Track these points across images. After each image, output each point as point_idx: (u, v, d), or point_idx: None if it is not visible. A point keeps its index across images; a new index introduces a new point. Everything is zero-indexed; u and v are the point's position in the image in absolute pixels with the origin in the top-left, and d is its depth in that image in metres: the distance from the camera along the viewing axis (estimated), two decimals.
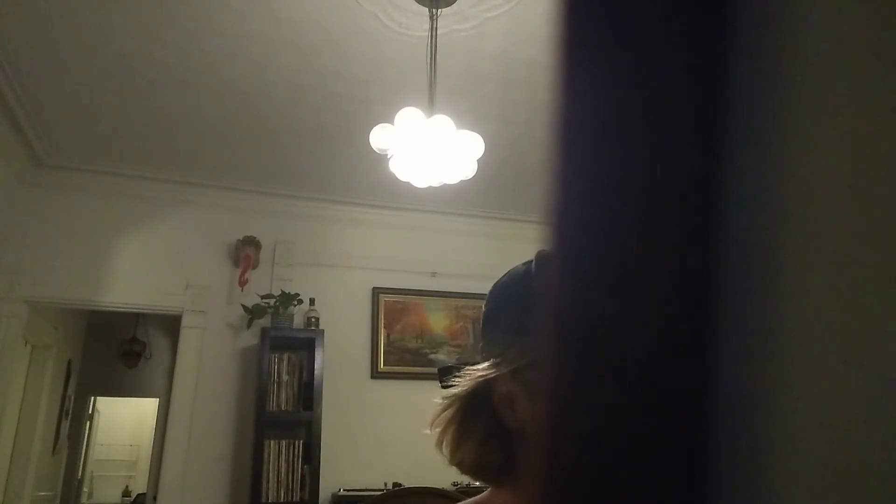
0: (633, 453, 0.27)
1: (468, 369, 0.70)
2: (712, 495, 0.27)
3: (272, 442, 3.55)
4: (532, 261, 0.69)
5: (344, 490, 3.66)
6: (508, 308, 0.70)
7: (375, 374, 4.10)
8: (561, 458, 0.28)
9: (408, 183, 2.52)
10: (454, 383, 0.70)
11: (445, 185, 2.55)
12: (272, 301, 3.80)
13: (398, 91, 3.02)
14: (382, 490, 3.54)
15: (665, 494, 0.27)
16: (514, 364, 0.65)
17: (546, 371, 0.29)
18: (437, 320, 4.31)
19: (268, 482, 3.48)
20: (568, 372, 0.28)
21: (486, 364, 0.69)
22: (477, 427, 0.69)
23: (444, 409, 0.72)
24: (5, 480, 4.40)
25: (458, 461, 0.71)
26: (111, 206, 3.87)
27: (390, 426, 3.99)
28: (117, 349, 6.76)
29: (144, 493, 7.61)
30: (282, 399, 3.66)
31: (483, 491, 0.77)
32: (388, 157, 2.41)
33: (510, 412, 0.66)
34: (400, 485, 3.66)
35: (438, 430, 0.72)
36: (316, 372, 3.69)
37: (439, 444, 0.72)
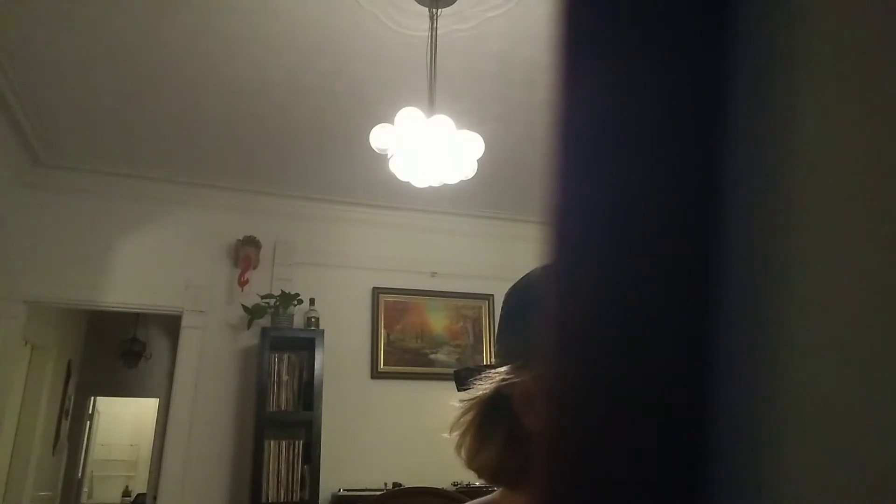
0: (635, 455, 0.27)
1: (489, 372, 0.69)
2: (714, 496, 0.27)
3: (272, 442, 3.55)
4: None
5: (344, 490, 3.67)
6: (530, 311, 0.69)
7: (375, 374, 4.10)
8: (564, 460, 0.28)
9: (408, 183, 2.52)
10: (473, 386, 0.70)
11: (445, 185, 2.55)
12: (272, 301, 3.80)
13: (398, 91, 3.02)
14: (382, 490, 3.54)
15: (669, 496, 0.27)
16: (537, 367, 0.64)
17: (550, 372, 0.29)
18: (437, 320, 4.31)
19: (268, 482, 3.48)
20: (568, 373, 0.28)
21: (506, 367, 0.68)
22: (497, 431, 0.68)
23: (464, 413, 0.70)
24: (5, 480, 4.40)
25: (476, 466, 0.70)
26: (111, 206, 3.88)
27: (390, 426, 4.00)
28: (117, 349, 6.77)
29: (144, 493, 7.62)
30: (282, 399, 3.66)
31: (486, 491, 0.77)
32: (388, 157, 2.41)
33: (532, 414, 0.65)
34: (400, 485, 3.66)
35: (458, 433, 0.71)
36: (316, 372, 3.69)
37: (458, 448, 0.71)
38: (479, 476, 0.71)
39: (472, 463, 0.70)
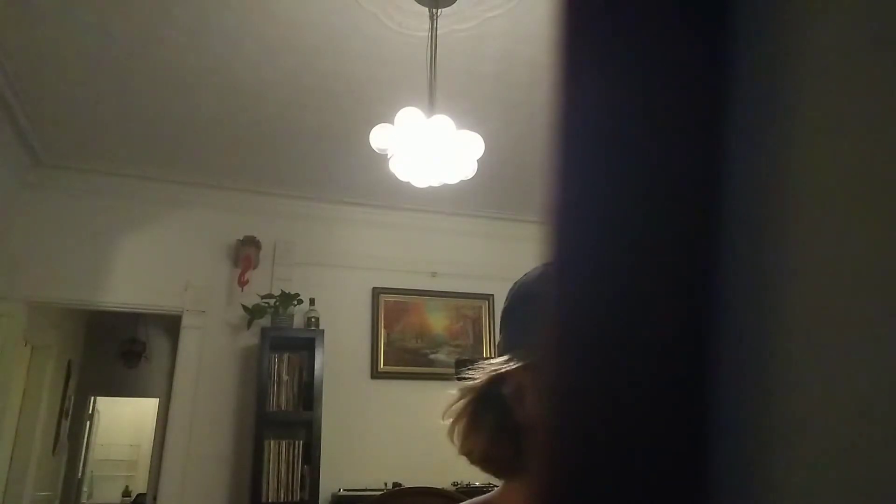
0: (634, 453, 0.27)
1: (483, 363, 0.72)
2: (713, 495, 0.27)
3: (272, 442, 3.55)
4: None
5: (344, 490, 3.67)
6: (525, 306, 0.73)
7: (375, 374, 4.10)
8: (560, 456, 0.28)
9: (408, 183, 2.52)
10: (469, 376, 0.73)
11: (445, 185, 2.55)
12: (272, 301, 3.80)
13: (398, 91, 3.02)
14: (382, 490, 3.54)
15: (666, 493, 0.27)
16: (526, 359, 0.67)
17: (548, 369, 0.29)
18: (437, 320, 4.31)
19: (268, 482, 3.48)
20: (568, 371, 0.28)
21: (501, 359, 0.71)
22: (488, 419, 0.71)
23: (458, 400, 0.74)
24: (5, 480, 4.40)
25: (467, 451, 0.73)
26: (111, 206, 3.87)
27: (390, 426, 4.00)
28: (117, 349, 6.76)
29: (144, 493, 7.61)
30: (282, 399, 3.66)
31: (486, 490, 0.78)
32: (388, 157, 2.41)
33: (521, 406, 0.68)
34: (400, 485, 3.66)
35: (451, 419, 0.74)
36: (316, 372, 3.69)
37: (450, 433, 0.74)
38: (470, 461, 0.74)
39: (462, 448, 0.73)
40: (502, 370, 0.69)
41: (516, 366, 0.68)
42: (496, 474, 0.75)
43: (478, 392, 0.72)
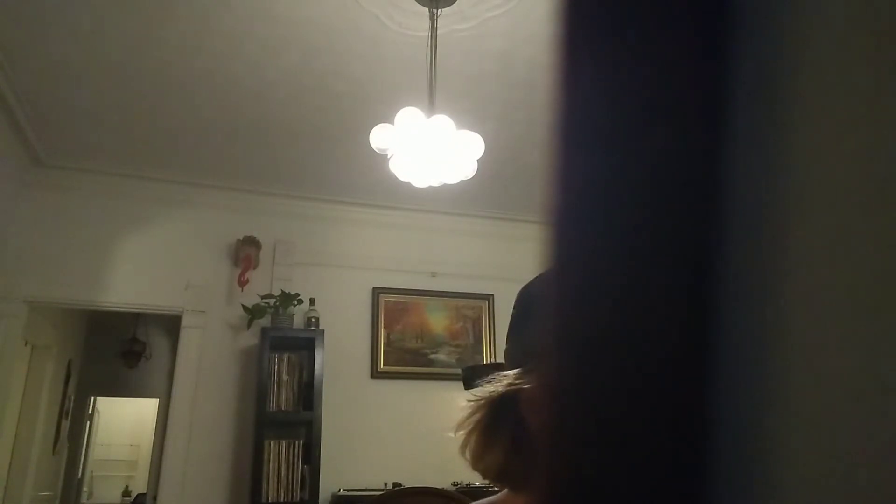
0: (637, 457, 0.27)
1: (497, 375, 0.69)
2: (713, 495, 0.27)
3: (272, 442, 3.54)
4: None
5: (344, 490, 3.67)
6: (536, 314, 0.70)
7: (375, 374, 4.10)
8: (566, 464, 0.28)
9: (408, 183, 2.52)
10: (482, 386, 0.70)
11: (445, 185, 2.55)
12: (272, 301, 3.80)
13: (398, 91, 3.02)
14: (382, 490, 3.54)
15: (669, 495, 0.27)
16: (543, 372, 0.65)
17: (552, 374, 0.29)
18: (437, 320, 4.31)
19: (268, 482, 3.48)
20: (569, 373, 0.28)
21: (515, 371, 0.68)
22: (503, 433, 0.69)
23: (471, 414, 0.71)
24: (5, 480, 4.40)
25: (483, 467, 0.70)
26: (111, 206, 3.87)
27: (390, 426, 4.00)
28: (117, 349, 6.76)
29: (144, 493, 7.61)
30: (282, 399, 3.66)
31: (487, 491, 0.77)
32: (388, 156, 2.41)
33: (538, 419, 0.65)
34: (400, 485, 3.66)
35: (463, 433, 0.71)
36: (316, 372, 3.69)
37: (463, 448, 0.71)
38: (485, 477, 0.71)
39: (477, 464, 0.71)
40: (520, 384, 0.67)
41: (534, 379, 0.65)
42: (510, 488, 0.72)
43: (492, 405, 0.69)
